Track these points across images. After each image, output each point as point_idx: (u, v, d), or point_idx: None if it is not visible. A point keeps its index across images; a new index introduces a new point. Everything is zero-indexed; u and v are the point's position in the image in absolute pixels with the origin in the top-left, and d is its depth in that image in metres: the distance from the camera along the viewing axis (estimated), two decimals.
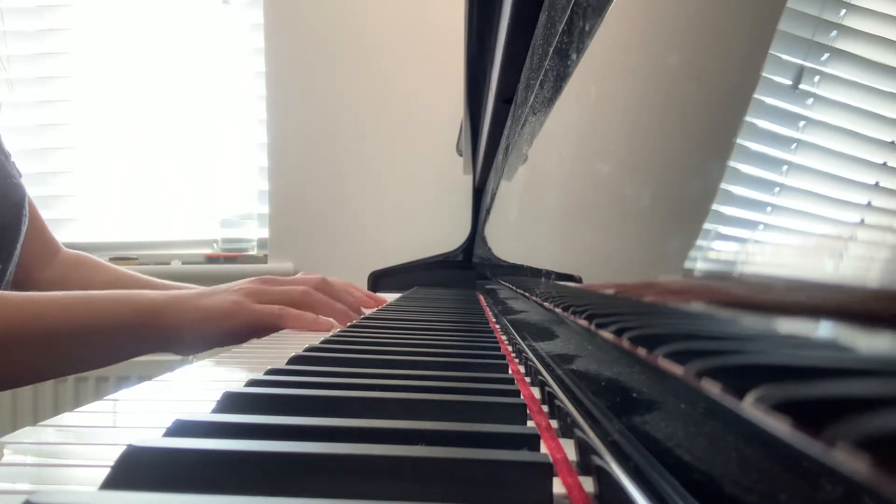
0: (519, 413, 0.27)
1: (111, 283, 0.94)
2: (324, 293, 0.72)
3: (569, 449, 0.26)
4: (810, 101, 0.15)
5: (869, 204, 0.13)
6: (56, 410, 1.65)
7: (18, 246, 0.84)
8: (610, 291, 0.28)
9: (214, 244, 1.81)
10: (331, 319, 0.68)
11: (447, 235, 1.60)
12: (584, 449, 0.24)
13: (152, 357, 1.78)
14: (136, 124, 1.84)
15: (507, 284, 0.76)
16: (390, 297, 1.08)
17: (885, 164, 0.12)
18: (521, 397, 0.29)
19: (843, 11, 0.15)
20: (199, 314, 0.65)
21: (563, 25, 0.48)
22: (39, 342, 0.59)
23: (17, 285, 0.92)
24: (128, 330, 0.63)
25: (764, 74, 0.17)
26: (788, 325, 0.14)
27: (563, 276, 0.39)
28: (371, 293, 1.01)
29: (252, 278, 0.72)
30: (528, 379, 0.41)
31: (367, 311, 0.81)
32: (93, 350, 0.62)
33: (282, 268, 1.71)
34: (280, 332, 0.66)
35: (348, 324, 0.67)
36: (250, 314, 0.66)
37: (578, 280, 0.35)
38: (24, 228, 0.84)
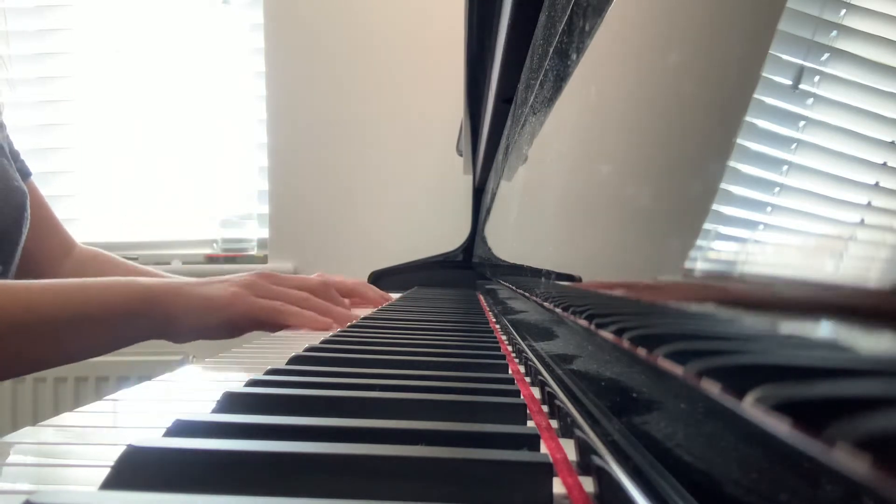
0: (519, 413, 0.27)
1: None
2: (323, 298, 0.72)
3: (569, 449, 0.26)
4: (810, 101, 0.15)
5: (869, 204, 0.13)
6: (56, 410, 1.65)
7: (19, 249, 0.84)
8: (610, 291, 0.28)
9: (214, 244, 1.81)
10: (328, 319, 0.69)
11: (447, 235, 1.60)
12: (584, 449, 0.24)
13: (152, 357, 1.78)
14: (137, 124, 1.84)
15: (507, 284, 0.75)
16: (391, 296, 1.08)
17: (885, 164, 0.12)
18: (521, 397, 0.29)
19: (843, 11, 0.15)
20: (195, 302, 0.65)
21: (563, 25, 0.48)
22: (35, 330, 0.58)
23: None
24: (122, 317, 0.62)
25: (764, 74, 0.17)
26: (788, 325, 0.14)
27: (563, 276, 0.39)
28: (384, 293, 1.02)
29: (252, 272, 0.72)
30: (528, 379, 0.41)
31: (368, 311, 0.81)
32: (88, 338, 0.62)
33: (282, 268, 1.71)
34: (280, 332, 0.66)
35: (347, 324, 0.67)
36: (249, 306, 0.66)
37: (578, 280, 0.35)
38: (25, 231, 0.84)
